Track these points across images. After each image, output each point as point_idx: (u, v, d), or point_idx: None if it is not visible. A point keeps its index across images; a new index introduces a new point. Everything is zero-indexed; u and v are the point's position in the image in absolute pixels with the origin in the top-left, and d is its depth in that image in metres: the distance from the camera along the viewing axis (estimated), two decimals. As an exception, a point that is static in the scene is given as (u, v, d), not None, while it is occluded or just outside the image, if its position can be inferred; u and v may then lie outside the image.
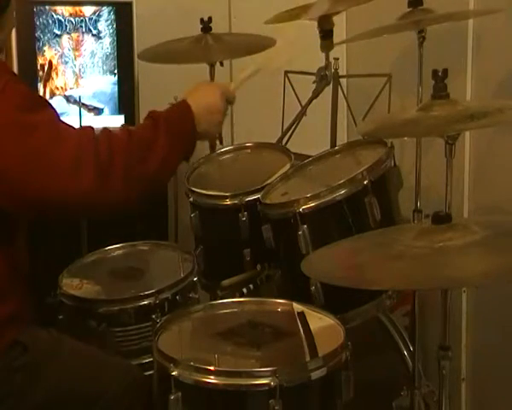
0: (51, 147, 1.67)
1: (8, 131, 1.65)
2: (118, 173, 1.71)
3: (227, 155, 2.38)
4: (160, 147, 1.78)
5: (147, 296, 2.09)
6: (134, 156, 1.75)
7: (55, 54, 2.80)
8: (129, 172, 1.73)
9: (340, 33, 2.56)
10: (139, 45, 2.81)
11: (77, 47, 2.83)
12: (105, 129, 1.79)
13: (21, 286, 1.84)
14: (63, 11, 2.79)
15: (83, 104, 2.81)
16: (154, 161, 1.77)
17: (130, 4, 2.86)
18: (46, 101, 1.86)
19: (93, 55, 2.85)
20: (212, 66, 2.65)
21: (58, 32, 2.79)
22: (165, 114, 1.89)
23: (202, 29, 2.63)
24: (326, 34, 2.26)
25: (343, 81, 2.50)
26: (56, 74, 2.81)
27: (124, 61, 2.88)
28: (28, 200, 1.68)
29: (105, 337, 2.07)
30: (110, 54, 2.87)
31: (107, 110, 2.89)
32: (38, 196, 1.67)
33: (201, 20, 2.63)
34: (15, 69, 2.67)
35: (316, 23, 2.25)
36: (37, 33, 2.75)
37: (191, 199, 2.23)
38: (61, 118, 1.79)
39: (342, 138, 2.69)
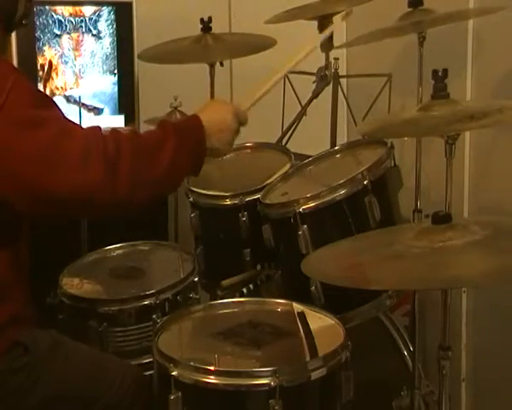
0: (60, 141, 1.68)
1: (18, 127, 1.66)
2: (125, 170, 1.70)
3: (227, 155, 2.38)
4: (168, 152, 1.77)
5: (147, 296, 2.09)
6: (141, 156, 1.74)
7: (55, 54, 2.80)
8: (135, 172, 1.72)
9: (340, 34, 2.56)
10: (139, 45, 2.81)
11: (77, 47, 2.83)
12: (113, 129, 1.79)
13: (23, 287, 1.83)
14: (63, 11, 2.79)
15: (83, 104, 2.82)
16: (160, 165, 1.76)
17: (130, 4, 2.86)
18: (52, 99, 1.86)
19: (93, 55, 2.85)
20: (212, 66, 2.65)
21: (58, 32, 2.79)
22: (174, 122, 1.89)
23: (202, 29, 2.62)
24: (326, 34, 2.26)
25: (343, 81, 2.50)
26: (56, 74, 2.81)
27: (124, 61, 2.88)
28: (38, 194, 1.68)
29: (105, 337, 2.07)
30: (110, 54, 2.87)
31: (107, 110, 2.89)
32: (48, 190, 1.67)
33: (201, 20, 2.62)
34: (15, 69, 2.67)
35: (316, 23, 2.25)
36: (37, 33, 2.75)
37: (191, 199, 2.23)
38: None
39: (342, 138, 2.69)
